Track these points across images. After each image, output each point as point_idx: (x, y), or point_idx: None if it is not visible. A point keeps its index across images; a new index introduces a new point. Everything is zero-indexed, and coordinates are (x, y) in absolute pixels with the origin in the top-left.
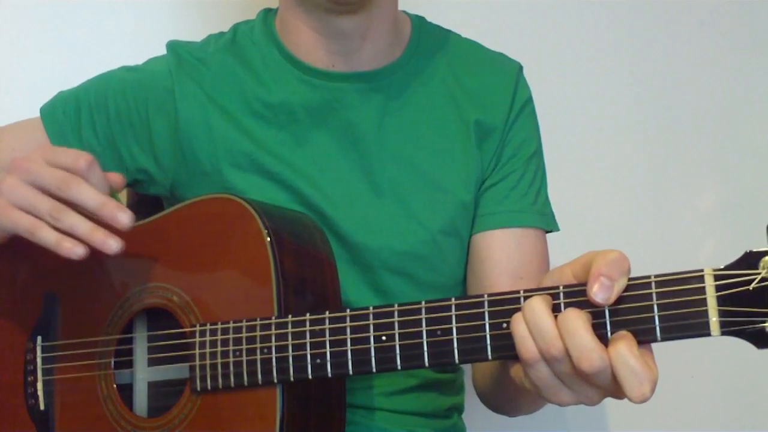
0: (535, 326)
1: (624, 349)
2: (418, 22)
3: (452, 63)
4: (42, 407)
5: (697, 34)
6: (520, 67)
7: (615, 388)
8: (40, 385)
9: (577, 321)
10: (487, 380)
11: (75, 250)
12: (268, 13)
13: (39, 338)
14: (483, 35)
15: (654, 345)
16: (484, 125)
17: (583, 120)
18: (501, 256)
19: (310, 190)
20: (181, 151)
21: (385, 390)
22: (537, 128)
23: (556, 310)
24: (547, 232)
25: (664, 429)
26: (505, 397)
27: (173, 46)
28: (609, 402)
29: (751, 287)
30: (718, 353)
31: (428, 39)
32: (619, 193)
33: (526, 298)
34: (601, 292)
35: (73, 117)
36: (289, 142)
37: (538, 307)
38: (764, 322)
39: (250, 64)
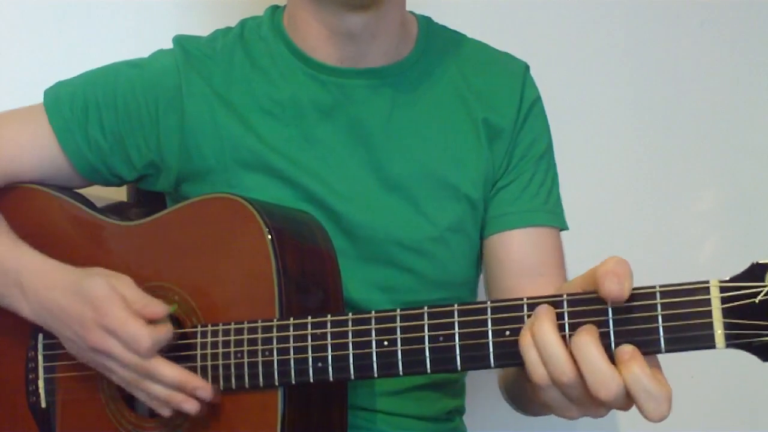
0: (545, 351)
1: (638, 371)
2: (425, 22)
3: (460, 62)
4: (43, 405)
5: (697, 34)
6: (527, 67)
7: (626, 404)
8: (41, 383)
9: (590, 346)
10: (509, 383)
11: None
12: (276, 10)
13: (40, 336)
14: (487, 35)
15: None
16: (493, 126)
17: (583, 120)
18: (519, 257)
19: (318, 186)
20: (186, 148)
21: (387, 390)
22: (546, 127)
23: (560, 318)
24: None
25: (664, 429)
26: (525, 401)
27: (180, 41)
28: None
29: (757, 300)
30: (719, 353)
31: (436, 39)
32: (619, 193)
33: (530, 305)
34: (614, 285)
35: (81, 115)
36: (296, 139)
37: (547, 332)
38: None
39: (258, 61)
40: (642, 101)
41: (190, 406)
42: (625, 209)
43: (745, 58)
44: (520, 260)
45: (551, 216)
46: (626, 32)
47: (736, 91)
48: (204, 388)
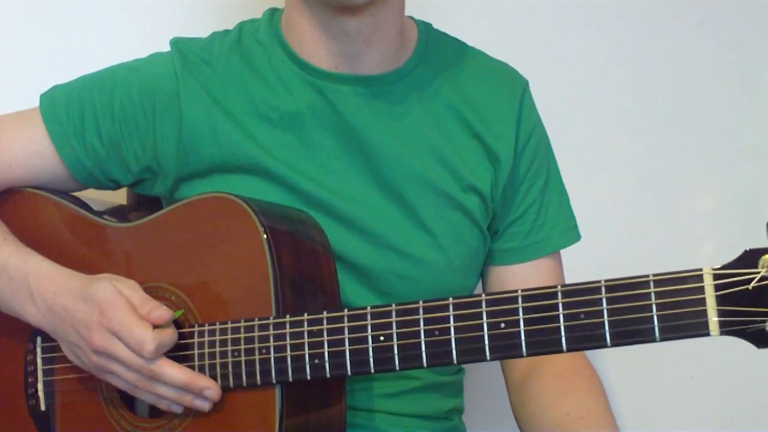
0: None
1: None
2: (425, 29)
3: (458, 73)
4: (43, 408)
5: (697, 34)
6: (526, 84)
7: None
8: (40, 386)
9: None
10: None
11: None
12: (274, 13)
13: (39, 339)
14: (486, 39)
15: (653, 344)
16: (490, 147)
17: (583, 120)
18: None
19: (318, 190)
20: (184, 154)
21: (386, 392)
22: (548, 151)
23: (554, 309)
24: None
25: (664, 429)
26: None
27: (178, 45)
28: (611, 403)
29: (750, 286)
30: (718, 353)
31: (435, 47)
32: (619, 193)
33: (524, 297)
34: None
35: (77, 120)
36: (294, 145)
37: None
38: (764, 321)
39: (255, 66)
40: (641, 101)
41: (201, 404)
42: (625, 209)
43: (745, 58)
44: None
45: (565, 237)
46: (625, 32)
47: (736, 91)
48: (211, 387)
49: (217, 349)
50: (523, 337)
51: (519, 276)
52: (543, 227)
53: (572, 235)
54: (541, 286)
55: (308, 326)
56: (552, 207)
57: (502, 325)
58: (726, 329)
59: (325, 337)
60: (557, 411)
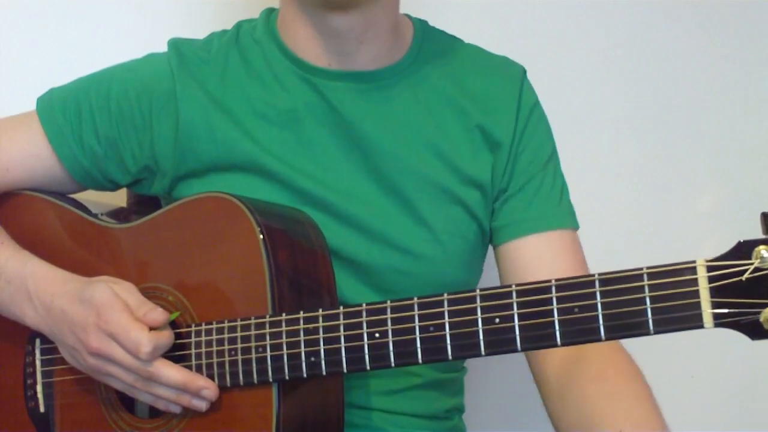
0: None
1: None
2: (421, 26)
3: (455, 67)
4: (42, 410)
5: (696, 34)
6: (524, 71)
7: None
8: (39, 388)
9: None
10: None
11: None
12: (271, 13)
13: (38, 341)
14: (484, 38)
15: (653, 344)
16: (491, 135)
17: (583, 120)
18: (539, 263)
19: (314, 187)
20: (181, 152)
21: (384, 389)
22: (548, 130)
23: (548, 304)
24: None
25: None
26: None
27: (176, 44)
28: None
29: (744, 278)
30: (718, 353)
31: (430, 43)
32: (619, 193)
33: (518, 292)
34: None
35: (74, 120)
36: (291, 142)
37: None
38: (758, 312)
39: (252, 64)
40: (642, 101)
41: (198, 404)
42: (625, 209)
43: (744, 58)
44: (540, 267)
45: (566, 217)
46: (626, 32)
47: (736, 91)
48: (209, 387)
49: (214, 348)
50: (517, 332)
51: (532, 249)
52: (546, 201)
53: (572, 220)
54: (535, 281)
55: (304, 324)
56: (555, 188)
57: (497, 320)
58: (720, 321)
59: (321, 335)
60: (607, 425)
